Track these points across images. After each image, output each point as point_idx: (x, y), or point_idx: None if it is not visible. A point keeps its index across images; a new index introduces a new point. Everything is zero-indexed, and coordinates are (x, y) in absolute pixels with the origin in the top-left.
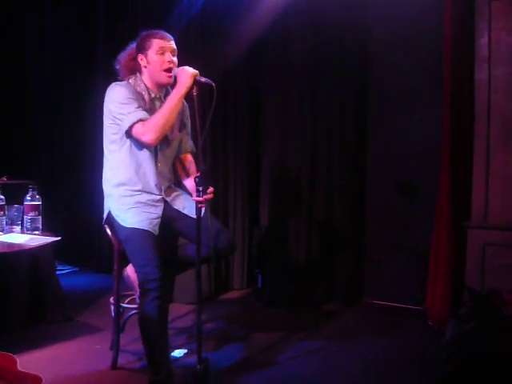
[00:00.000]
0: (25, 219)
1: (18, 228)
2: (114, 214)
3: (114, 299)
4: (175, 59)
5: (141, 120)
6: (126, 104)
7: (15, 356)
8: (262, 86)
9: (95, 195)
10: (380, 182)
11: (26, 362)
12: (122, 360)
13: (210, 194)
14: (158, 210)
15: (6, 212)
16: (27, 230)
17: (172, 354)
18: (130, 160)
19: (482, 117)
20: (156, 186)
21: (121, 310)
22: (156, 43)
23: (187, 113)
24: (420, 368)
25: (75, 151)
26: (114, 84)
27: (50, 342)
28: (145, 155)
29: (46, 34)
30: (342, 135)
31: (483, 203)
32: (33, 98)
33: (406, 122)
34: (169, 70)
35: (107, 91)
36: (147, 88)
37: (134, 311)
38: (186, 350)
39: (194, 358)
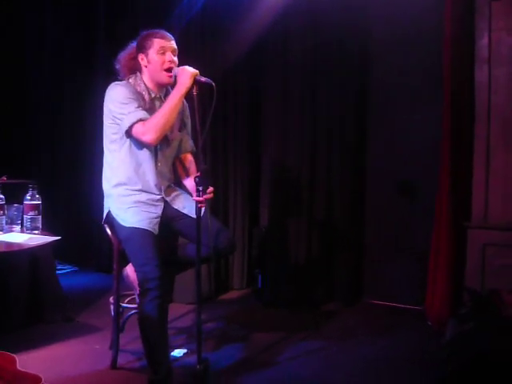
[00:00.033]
0: (24, 219)
1: (18, 227)
2: (113, 213)
3: (113, 299)
4: (175, 59)
5: (141, 120)
6: (126, 104)
7: (14, 355)
8: (262, 85)
9: (95, 195)
10: (380, 182)
11: (26, 361)
12: (121, 360)
13: (209, 193)
14: (158, 210)
15: (6, 211)
16: (27, 230)
17: (172, 353)
18: (130, 160)
19: (482, 117)
20: (156, 185)
21: (120, 309)
22: (157, 43)
23: (187, 112)
24: (420, 368)
25: (75, 151)
26: (113, 84)
27: (50, 342)
28: (145, 155)
29: (46, 34)
30: (342, 135)
31: (483, 203)
32: (33, 98)
33: (405, 122)
34: (169, 70)
35: (107, 91)
36: (147, 88)
37: (133, 311)
38: (185, 350)
39: (193, 358)
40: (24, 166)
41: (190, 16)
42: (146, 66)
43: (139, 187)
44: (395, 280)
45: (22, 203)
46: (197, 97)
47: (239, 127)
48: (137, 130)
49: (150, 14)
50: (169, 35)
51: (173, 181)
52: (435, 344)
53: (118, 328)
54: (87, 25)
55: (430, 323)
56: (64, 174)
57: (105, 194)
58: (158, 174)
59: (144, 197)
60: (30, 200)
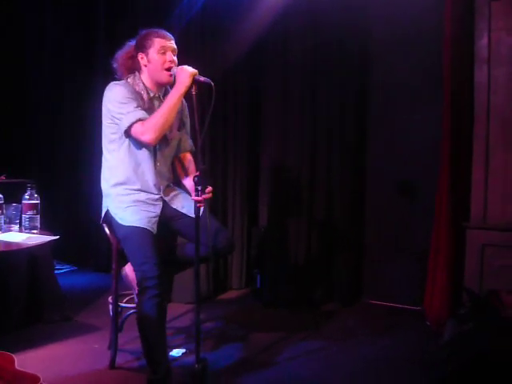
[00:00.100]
0: (23, 218)
1: (16, 227)
2: (112, 212)
3: (112, 298)
4: (175, 59)
5: (140, 119)
6: (124, 103)
7: (13, 355)
8: (262, 85)
9: (94, 195)
10: (380, 182)
11: (24, 361)
12: (120, 359)
13: (208, 193)
14: (157, 209)
15: (4, 211)
16: (25, 229)
17: (170, 353)
18: (129, 159)
19: (482, 117)
20: (155, 185)
21: (119, 309)
22: (157, 42)
23: (186, 112)
24: (420, 368)
25: (75, 151)
26: (112, 83)
27: (48, 341)
28: (144, 154)
29: (46, 34)
30: (342, 135)
31: (482, 203)
32: (33, 98)
33: (405, 122)
34: (169, 70)
35: (106, 90)
36: (146, 87)
37: (132, 310)
38: (184, 350)
39: (192, 358)
40: (24, 165)
41: (189, 16)
42: (145, 66)
43: (138, 187)
44: (395, 280)
45: (21, 202)
46: (196, 96)
47: (239, 127)
48: (136, 130)
49: (149, 13)
50: (169, 35)
51: (172, 180)
52: (434, 344)
53: (117, 327)
54: (87, 25)
55: (428, 323)
56: (63, 174)
57: (103, 194)
58: (157, 173)
59: (143, 196)
60: (29, 199)
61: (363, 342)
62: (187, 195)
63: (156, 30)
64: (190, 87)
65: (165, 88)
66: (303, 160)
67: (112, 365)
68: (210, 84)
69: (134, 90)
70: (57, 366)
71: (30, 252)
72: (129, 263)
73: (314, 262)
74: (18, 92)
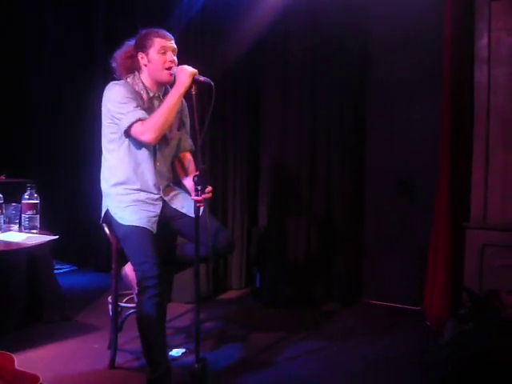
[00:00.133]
0: (23, 218)
1: (16, 227)
2: (112, 212)
3: (111, 298)
4: (175, 58)
5: (140, 119)
6: (124, 103)
7: (13, 355)
8: (262, 85)
9: (94, 194)
10: (380, 182)
11: (24, 361)
12: (119, 359)
13: (208, 193)
14: (157, 209)
15: (4, 210)
16: (25, 229)
17: (170, 353)
18: (129, 159)
19: (482, 117)
20: (155, 185)
21: (119, 309)
22: (158, 42)
23: (186, 111)
24: (420, 368)
25: (75, 151)
26: (112, 83)
27: (48, 341)
28: (143, 154)
29: (46, 34)
30: (342, 135)
31: (482, 203)
32: (33, 98)
33: (405, 121)
34: (170, 69)
35: (105, 90)
36: (145, 87)
37: (131, 310)
38: (184, 350)
39: (191, 358)
40: (24, 165)
41: (189, 16)
42: (145, 65)
43: (138, 187)
44: (395, 280)
45: (20, 202)
46: (195, 96)
47: (238, 127)
48: (136, 130)
49: (149, 13)
50: (169, 35)
51: (172, 180)
52: (434, 344)
53: (117, 327)
54: (87, 25)
55: (428, 323)
56: (63, 174)
57: (103, 194)
58: (157, 173)
59: (143, 196)
60: (28, 199)
61: (363, 342)
62: (187, 195)
63: (156, 29)
64: (190, 87)
65: (164, 88)
66: (303, 160)
67: (112, 364)
68: (210, 84)
69: (134, 89)
70: (56, 365)
71: (30, 252)
72: (128, 263)
73: (313, 262)
74: (18, 92)
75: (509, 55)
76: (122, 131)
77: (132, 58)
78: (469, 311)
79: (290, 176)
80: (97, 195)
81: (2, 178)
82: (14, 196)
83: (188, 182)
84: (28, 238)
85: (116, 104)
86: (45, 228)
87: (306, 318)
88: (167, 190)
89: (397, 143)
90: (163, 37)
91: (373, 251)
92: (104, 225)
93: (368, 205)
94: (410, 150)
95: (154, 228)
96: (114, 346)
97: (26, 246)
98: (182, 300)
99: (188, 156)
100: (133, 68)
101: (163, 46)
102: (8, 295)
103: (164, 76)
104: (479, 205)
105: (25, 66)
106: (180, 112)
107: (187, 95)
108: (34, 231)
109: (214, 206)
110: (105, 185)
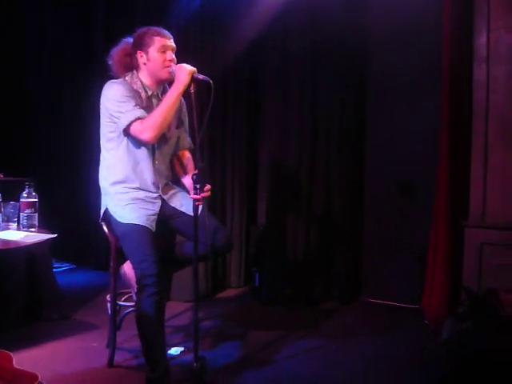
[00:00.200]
0: (21, 216)
1: (14, 225)
2: (111, 210)
3: (110, 297)
4: (175, 57)
5: (139, 118)
6: (123, 102)
7: (11, 353)
8: (262, 82)
9: (93, 193)
10: (379, 182)
11: (22, 359)
12: (118, 358)
13: (207, 191)
14: (156, 207)
15: (2, 209)
16: (23, 227)
17: (169, 351)
18: (128, 158)
19: (481, 115)
20: (153, 183)
21: (117, 307)
22: (158, 41)
23: (185, 110)
24: (418, 366)
25: (74, 150)
26: (110, 82)
27: (47, 340)
28: (142, 153)
29: (46, 34)
30: (342, 132)
31: (481, 202)
32: (33, 98)
33: (405, 119)
34: (169, 67)
35: (104, 89)
36: (144, 85)
37: (130, 309)
38: (182, 348)
39: (190, 356)
40: (24, 165)
41: (189, 14)
42: (144, 64)
43: (137, 185)
44: (394, 278)
45: (19, 201)
46: (194, 94)
47: (237, 125)
48: (135, 129)
49: (149, 13)
50: (168, 33)
51: (170, 178)
52: (433, 343)
53: (115, 326)
54: (87, 25)
55: (426, 322)
56: (63, 173)
57: (102, 192)
58: (156, 171)
59: (141, 194)
60: (27, 198)
61: (362, 341)
62: (186, 193)
63: (154, 28)
64: (189, 85)
65: (163, 86)
66: (302, 157)
67: (110, 363)
68: (209, 82)
69: (132, 88)
70: (55, 364)
71: (28, 250)
72: (127, 261)
73: (312, 261)
74: (18, 92)
75: (508, 54)
76: (121, 130)
77: (130, 56)
78: (467, 310)
79: (289, 173)
80: (96, 194)
81: (1, 176)
82: (12, 194)
83: (187, 181)
84: (26, 236)
85: (115, 103)
86: (43, 226)
87: (305, 316)
88: (166, 188)
89: (396, 141)
90: (163, 36)
91: (372, 250)
92: (103, 223)
93: (367, 203)
94: (409, 148)
95: (152, 226)
96: (112, 345)
97: (25, 244)
98: (181, 298)
99: (187, 154)
100: (130, 66)
101: (163, 45)
102: (6, 294)
103: (163, 74)
104: (478, 203)
105: (25, 66)
106: (179, 110)
107: (186, 93)
108: (33, 229)
109: (213, 204)
110: (104, 183)
